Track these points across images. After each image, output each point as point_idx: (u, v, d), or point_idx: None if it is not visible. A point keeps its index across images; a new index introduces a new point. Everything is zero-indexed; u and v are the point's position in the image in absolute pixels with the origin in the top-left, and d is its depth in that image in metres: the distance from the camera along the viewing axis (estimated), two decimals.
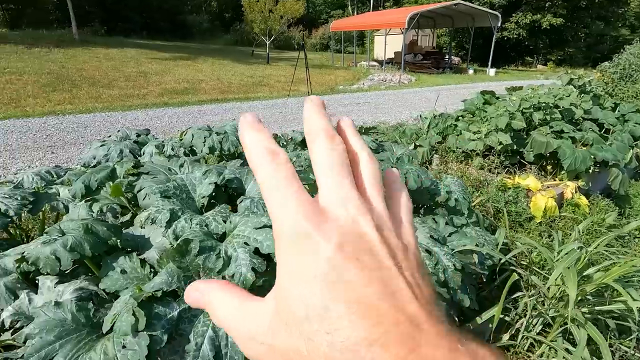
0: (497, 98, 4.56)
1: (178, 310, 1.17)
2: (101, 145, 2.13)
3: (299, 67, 10.34)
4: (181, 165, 1.74)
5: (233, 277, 1.18)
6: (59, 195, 1.89)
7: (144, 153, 2.03)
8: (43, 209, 1.84)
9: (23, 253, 1.29)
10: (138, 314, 1.09)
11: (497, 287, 2.45)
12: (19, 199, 1.70)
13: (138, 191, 1.56)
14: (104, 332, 1.17)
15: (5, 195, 1.69)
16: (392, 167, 2.05)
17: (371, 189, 0.25)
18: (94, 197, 1.65)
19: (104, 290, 1.27)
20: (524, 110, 3.90)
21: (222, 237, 1.36)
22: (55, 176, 2.14)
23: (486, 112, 4.09)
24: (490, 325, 2.00)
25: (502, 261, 2.10)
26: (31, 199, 1.76)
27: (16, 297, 1.30)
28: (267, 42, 19.59)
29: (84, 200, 1.61)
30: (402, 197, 0.28)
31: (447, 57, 22.19)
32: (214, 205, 1.61)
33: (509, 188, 3.20)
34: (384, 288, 0.20)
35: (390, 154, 2.28)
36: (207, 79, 12.64)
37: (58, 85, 9.90)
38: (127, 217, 1.81)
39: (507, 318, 2.13)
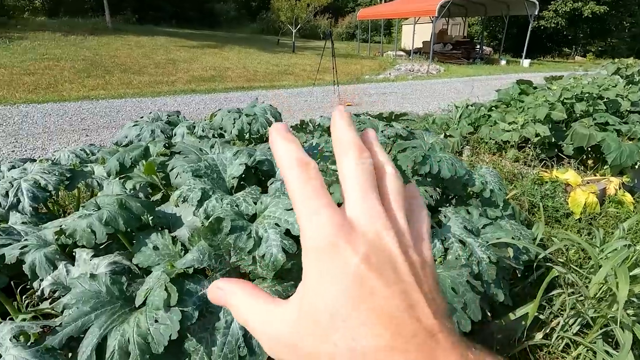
0: (535, 88, 4.32)
1: (208, 288, 1.17)
2: (134, 125, 2.16)
3: (325, 56, 10.22)
4: (212, 146, 1.73)
5: (264, 257, 1.16)
6: (93, 173, 1.93)
7: (175, 134, 2.05)
8: (78, 186, 1.89)
9: (61, 226, 1.33)
10: (170, 289, 1.09)
11: (531, 284, 2.34)
12: (57, 174, 1.75)
13: (170, 170, 1.56)
14: (137, 305, 1.18)
15: (45, 171, 1.75)
16: (424, 154, 1.97)
17: (395, 204, 0.25)
18: (127, 174, 1.68)
19: (136, 265, 1.29)
20: (564, 101, 3.67)
21: (252, 219, 1.35)
22: (90, 154, 2.20)
23: (522, 102, 3.89)
24: (524, 323, 1.91)
25: (540, 256, 2.00)
26: (68, 175, 1.81)
27: (55, 267, 1.34)
28: (293, 31, 19.48)
29: (117, 178, 1.64)
30: (423, 212, 0.29)
31: (478, 47, 21.35)
32: (243, 187, 1.60)
33: (546, 182, 3.04)
34: (404, 301, 0.22)
35: (422, 141, 2.20)
36: (234, 66, 12.74)
37: (92, 71, 10.24)
38: (159, 196, 1.84)
39: (541, 316, 2.03)
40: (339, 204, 0.25)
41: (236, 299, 0.26)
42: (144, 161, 1.72)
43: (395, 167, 0.28)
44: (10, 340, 1.00)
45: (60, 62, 10.80)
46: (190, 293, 1.14)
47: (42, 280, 1.32)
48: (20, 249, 1.35)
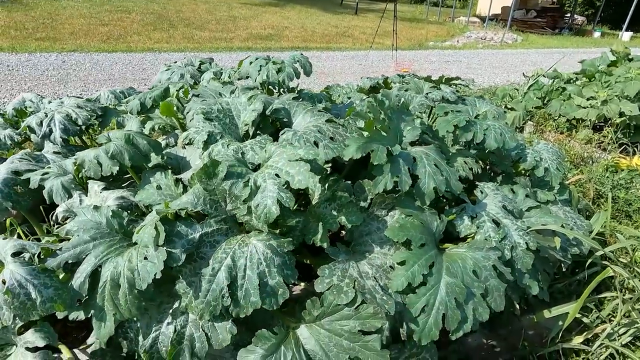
0: (631, 59, 3.62)
1: (200, 232, 1.12)
2: (166, 70, 2.15)
3: (387, 18, 9.54)
4: (232, 92, 1.64)
5: (257, 207, 1.08)
6: (126, 113, 1.96)
7: (203, 79, 2.00)
8: (110, 124, 1.93)
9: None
10: (159, 228, 1.06)
11: (579, 282, 2.04)
12: (88, 110, 1.79)
13: (187, 112, 1.51)
14: (134, 241, 1.18)
15: (78, 106, 1.80)
16: (468, 120, 1.71)
17: None
18: (148, 115, 1.66)
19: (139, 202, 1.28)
20: None
21: (258, 168, 1.26)
22: (127, 96, 2.24)
23: (611, 75, 3.28)
24: (561, 323, 1.67)
25: (597, 254, 1.70)
26: (100, 113, 1.85)
27: (70, 195, 1.38)
28: None
29: (137, 116, 1.63)
30: None
31: (567, 15, 18.61)
32: (259, 136, 1.51)
33: (622, 170, 2.58)
34: None
35: (470, 107, 1.92)
36: (292, 26, 12.47)
37: (158, 24, 10.64)
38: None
39: (584, 319, 1.77)
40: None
41: None
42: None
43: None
44: (10, 256, 1.04)
45: (131, 15, 11.35)
46: (180, 235, 1.10)
47: (57, 206, 1.36)
48: (42, 175, 1.40)
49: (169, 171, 1.29)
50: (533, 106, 3.40)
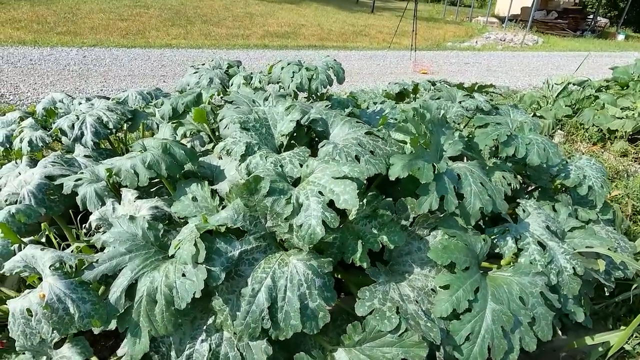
0: None
1: (240, 250, 1.08)
2: (194, 73, 2.12)
3: (405, 17, 9.41)
4: (266, 99, 1.60)
5: (301, 227, 1.03)
6: (154, 115, 1.94)
7: (232, 84, 1.96)
8: (139, 127, 1.91)
9: (111, 164, 1.33)
10: (199, 245, 1.02)
11: (616, 304, 1.95)
12: (119, 113, 1.77)
13: (220, 120, 1.48)
14: (170, 255, 1.15)
15: (109, 109, 1.78)
16: (509, 134, 1.64)
17: None
18: (179, 120, 1.63)
19: (175, 213, 1.25)
20: None
21: (296, 182, 1.21)
22: (154, 98, 2.22)
23: None
24: (601, 349, 1.59)
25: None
26: (130, 116, 1.83)
27: (103, 203, 1.36)
28: None
29: (170, 122, 1.60)
30: None
31: (590, 17, 18.12)
32: (293, 147, 1.46)
33: None
34: None
35: (509, 118, 1.84)
36: (308, 24, 12.40)
37: (176, 20, 10.68)
38: (211, 146, 1.79)
39: (625, 346, 1.69)
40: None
41: None
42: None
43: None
44: (49, 268, 1.02)
45: (149, 10, 11.42)
46: (219, 252, 1.06)
47: (91, 214, 1.34)
48: (75, 181, 1.38)
49: (206, 182, 1.25)
50: (563, 115, 3.29)
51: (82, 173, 1.43)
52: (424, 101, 1.79)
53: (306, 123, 1.45)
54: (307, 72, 1.76)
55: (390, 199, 1.31)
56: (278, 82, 1.89)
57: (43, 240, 1.66)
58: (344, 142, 1.32)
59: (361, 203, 1.32)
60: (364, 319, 1.09)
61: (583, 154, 2.95)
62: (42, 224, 1.40)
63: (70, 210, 1.60)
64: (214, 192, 1.26)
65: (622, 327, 1.59)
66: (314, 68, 1.78)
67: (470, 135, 1.68)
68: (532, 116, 3.36)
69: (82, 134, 1.66)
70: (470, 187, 1.26)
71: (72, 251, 1.50)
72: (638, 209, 2.38)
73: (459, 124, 1.84)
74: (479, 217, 1.25)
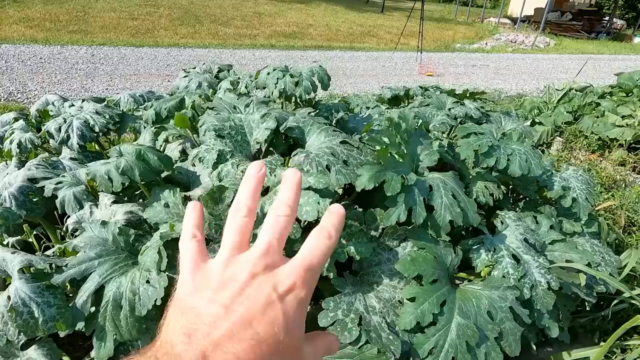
0: None
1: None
2: (184, 76, 2.14)
3: (413, 18, 9.33)
4: (247, 105, 1.61)
5: None
6: (142, 119, 1.97)
7: (220, 88, 1.98)
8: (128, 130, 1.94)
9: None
10: (162, 253, 1.04)
11: (603, 318, 1.92)
12: (107, 116, 1.81)
13: (200, 126, 1.49)
14: (139, 260, 1.17)
15: (97, 112, 1.81)
16: (491, 144, 1.62)
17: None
18: (162, 125, 1.66)
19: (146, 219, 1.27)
20: None
21: (266, 191, 1.22)
22: (147, 100, 2.25)
23: None
24: None
25: (625, 295, 1.58)
26: (117, 119, 1.86)
27: (81, 207, 1.39)
28: None
29: (153, 127, 1.63)
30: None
31: (606, 19, 17.72)
32: (271, 154, 1.47)
33: None
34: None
35: (495, 127, 1.82)
36: (316, 24, 12.40)
37: (185, 19, 10.79)
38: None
39: None
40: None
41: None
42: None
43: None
44: (17, 271, 1.05)
45: (159, 9, 11.56)
46: None
47: (69, 217, 1.37)
48: (55, 184, 1.41)
49: (177, 189, 1.27)
50: (563, 121, 3.23)
51: (64, 176, 1.46)
52: (400, 110, 1.78)
53: (283, 130, 1.45)
54: (292, 79, 1.77)
55: (360, 210, 1.31)
56: (264, 88, 1.90)
57: (31, 240, 1.71)
58: (317, 151, 1.32)
59: None
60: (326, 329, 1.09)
61: (581, 162, 2.90)
62: (23, 226, 1.44)
63: (55, 212, 1.63)
64: (185, 199, 1.28)
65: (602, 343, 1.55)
66: (298, 74, 1.78)
67: (450, 145, 1.67)
68: (531, 122, 3.31)
69: (69, 137, 1.69)
70: (441, 199, 1.25)
71: (54, 253, 1.53)
72: (633, 221, 2.33)
73: (443, 132, 1.82)
74: (448, 229, 1.24)
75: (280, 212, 0.35)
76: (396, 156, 1.31)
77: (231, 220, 0.36)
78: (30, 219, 1.64)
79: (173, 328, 0.30)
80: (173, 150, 1.77)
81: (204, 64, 2.30)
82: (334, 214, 0.36)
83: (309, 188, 1.09)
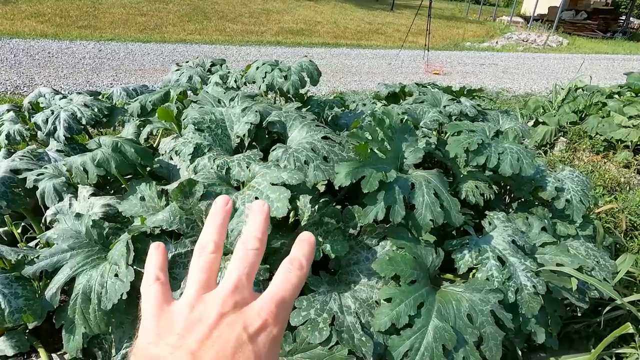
0: None
1: (173, 253, 1.08)
2: (176, 70, 2.13)
3: (422, 15, 9.21)
4: (232, 99, 1.59)
5: (232, 232, 1.02)
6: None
7: (209, 82, 1.96)
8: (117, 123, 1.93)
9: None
10: (130, 246, 1.02)
11: (599, 324, 1.85)
12: (95, 109, 1.80)
13: (183, 119, 1.47)
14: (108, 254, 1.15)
15: (85, 104, 1.81)
16: (486, 142, 1.57)
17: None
18: (147, 118, 1.64)
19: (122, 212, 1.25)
20: None
21: (241, 186, 1.20)
22: (139, 93, 2.24)
23: None
24: None
25: (617, 302, 1.52)
26: (107, 112, 1.85)
27: (61, 198, 1.38)
28: None
29: (137, 120, 1.61)
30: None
31: (622, 18, 17.27)
32: (254, 148, 1.45)
33: None
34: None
35: (487, 126, 1.76)
36: (324, 21, 12.34)
37: (193, 16, 10.84)
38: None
39: None
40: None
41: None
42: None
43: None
44: None
45: (168, 5, 11.63)
46: None
47: (48, 208, 1.37)
48: (37, 175, 1.41)
49: (154, 183, 1.25)
50: (568, 121, 3.14)
51: (46, 168, 1.46)
52: (384, 107, 1.74)
53: (265, 125, 1.43)
54: (280, 73, 1.74)
55: (339, 207, 1.27)
56: (254, 82, 1.87)
57: (19, 231, 1.71)
58: (297, 147, 1.29)
59: (313, 209, 1.29)
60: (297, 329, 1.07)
61: (585, 163, 2.82)
62: (6, 217, 1.44)
63: (43, 205, 1.64)
64: (163, 192, 1.26)
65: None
66: (286, 69, 1.75)
67: (439, 141, 1.62)
68: (534, 122, 3.23)
69: (55, 129, 1.69)
70: (422, 198, 1.21)
71: (36, 244, 1.53)
72: (636, 224, 2.25)
73: (434, 130, 1.77)
74: (429, 228, 1.20)
75: (249, 246, 0.34)
76: (379, 153, 1.27)
77: (197, 259, 0.35)
78: (22, 210, 1.64)
79: None
80: (167, 144, 1.76)
81: (197, 57, 2.28)
82: (305, 243, 0.35)
83: (282, 184, 1.06)
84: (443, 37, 11.82)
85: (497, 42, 11.72)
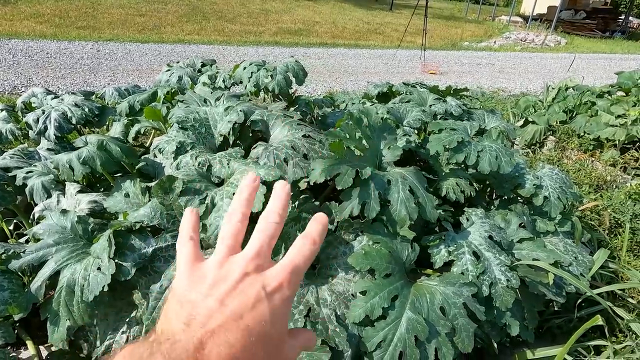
0: None
1: (154, 247, 1.12)
2: (167, 70, 2.17)
3: (420, 15, 9.23)
4: (218, 99, 1.63)
5: (210, 226, 1.06)
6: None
7: (198, 82, 2.00)
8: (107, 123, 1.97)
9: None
10: (111, 240, 1.06)
11: (580, 319, 1.88)
12: (85, 110, 1.84)
13: (170, 118, 1.51)
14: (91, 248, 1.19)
15: (76, 104, 1.85)
16: (465, 140, 1.60)
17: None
18: (136, 117, 1.68)
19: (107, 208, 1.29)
20: None
21: (222, 183, 1.23)
22: (131, 93, 2.28)
23: None
24: None
25: (593, 292, 1.55)
26: (97, 112, 1.89)
27: (49, 195, 1.42)
28: None
29: (125, 119, 1.65)
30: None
31: (621, 17, 17.27)
32: (238, 146, 1.49)
33: None
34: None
35: (469, 124, 1.79)
36: (323, 21, 12.37)
37: (192, 16, 10.88)
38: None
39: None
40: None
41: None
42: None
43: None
44: None
45: (167, 6, 11.68)
46: (133, 248, 1.09)
47: (36, 205, 1.40)
48: (25, 173, 1.45)
49: (138, 180, 1.29)
50: (558, 120, 3.17)
51: (35, 166, 1.50)
52: (363, 106, 1.77)
53: (248, 124, 1.46)
54: (266, 73, 1.77)
55: (317, 203, 1.31)
56: (241, 82, 1.91)
57: (11, 227, 1.76)
58: (277, 145, 1.33)
59: (293, 206, 1.33)
60: None
61: (572, 161, 2.85)
62: None
63: (33, 202, 1.68)
64: (145, 189, 1.30)
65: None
66: (272, 69, 1.79)
67: (424, 140, 1.65)
68: (524, 121, 3.26)
69: (46, 128, 1.73)
70: (398, 194, 1.25)
71: (27, 240, 1.57)
72: (619, 221, 2.28)
73: (416, 128, 1.81)
74: (405, 224, 1.24)
75: (271, 219, 0.39)
76: (356, 150, 1.31)
77: (227, 224, 0.40)
78: (13, 207, 1.68)
79: (172, 317, 0.34)
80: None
81: (188, 58, 2.32)
82: (318, 222, 0.40)
83: (261, 181, 1.10)
84: (441, 36, 11.85)
85: (495, 42, 11.74)
